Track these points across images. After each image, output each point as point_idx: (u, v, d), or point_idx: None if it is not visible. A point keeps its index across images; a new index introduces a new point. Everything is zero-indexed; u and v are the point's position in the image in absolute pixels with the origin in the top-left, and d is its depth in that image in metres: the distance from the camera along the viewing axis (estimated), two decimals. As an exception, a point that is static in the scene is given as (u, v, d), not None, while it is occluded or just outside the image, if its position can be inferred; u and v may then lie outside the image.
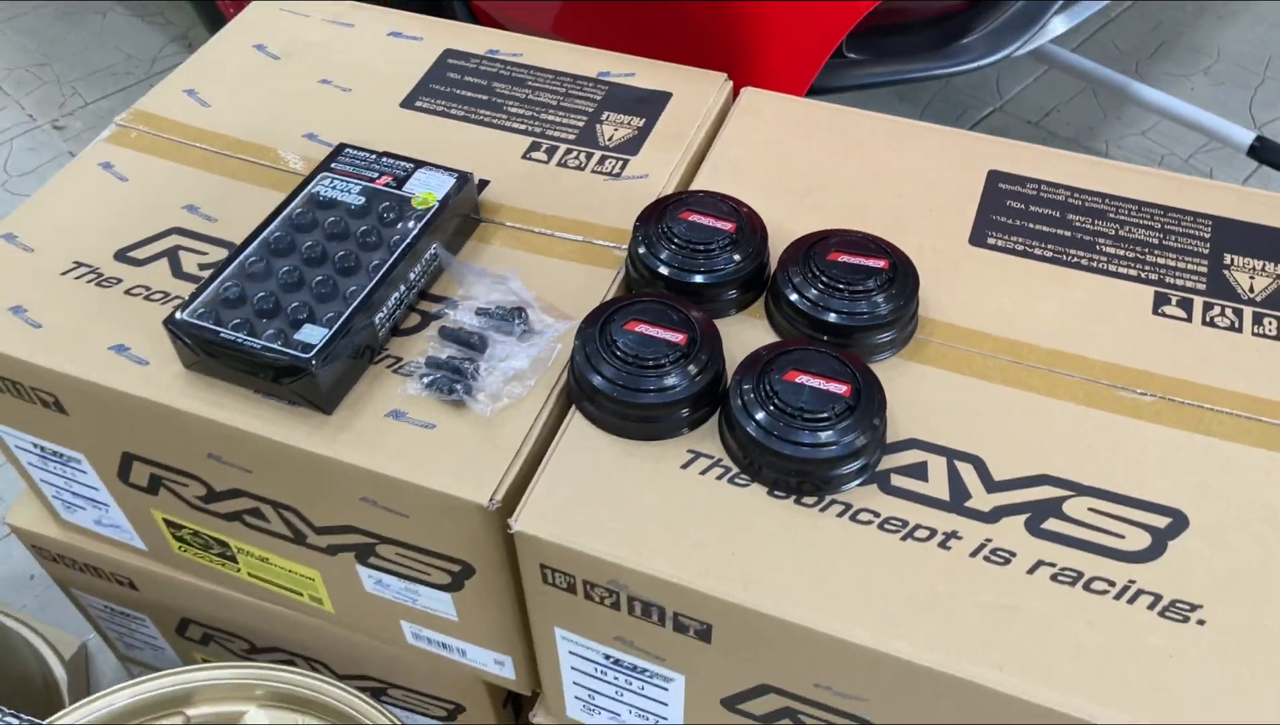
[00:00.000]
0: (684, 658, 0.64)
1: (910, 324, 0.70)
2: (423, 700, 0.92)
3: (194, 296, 0.68)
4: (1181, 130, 1.65)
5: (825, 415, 0.60)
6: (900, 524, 0.60)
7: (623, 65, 0.91)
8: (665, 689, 0.68)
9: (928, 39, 1.00)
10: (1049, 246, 0.75)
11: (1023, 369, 0.68)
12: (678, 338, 0.64)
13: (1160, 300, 0.72)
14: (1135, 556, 0.59)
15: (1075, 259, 0.75)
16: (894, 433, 0.64)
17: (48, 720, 0.82)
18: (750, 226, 0.72)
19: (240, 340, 0.66)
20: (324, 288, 0.69)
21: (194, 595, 0.91)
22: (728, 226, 0.71)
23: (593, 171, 0.82)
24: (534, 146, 0.84)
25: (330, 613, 0.84)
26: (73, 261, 0.76)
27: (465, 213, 0.77)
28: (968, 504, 0.61)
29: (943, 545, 0.59)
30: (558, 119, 0.86)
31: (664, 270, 0.70)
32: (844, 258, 0.69)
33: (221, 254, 0.76)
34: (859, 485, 0.62)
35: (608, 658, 0.68)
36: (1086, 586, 0.57)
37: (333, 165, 0.78)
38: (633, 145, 0.84)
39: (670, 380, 0.63)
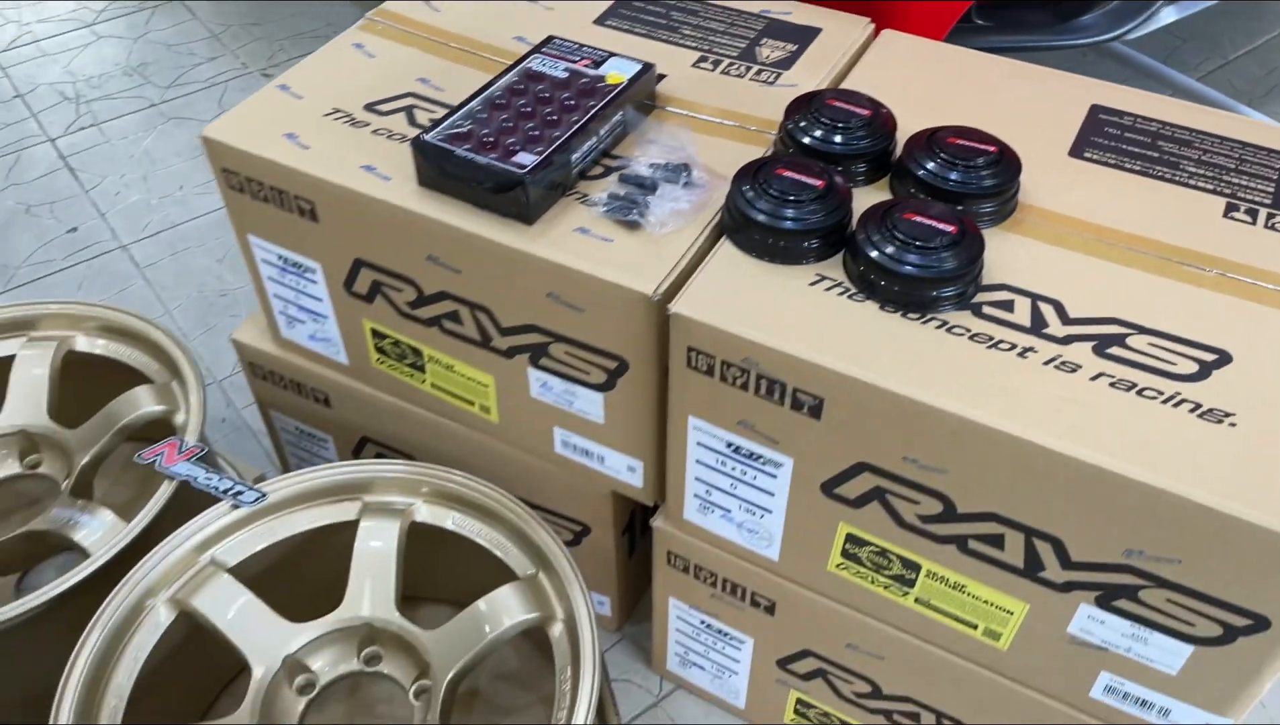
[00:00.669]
0: (795, 439, 0.78)
1: (1011, 202, 0.83)
2: (557, 522, 1.08)
3: (433, 127, 0.87)
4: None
5: (933, 245, 0.75)
6: (987, 338, 0.74)
7: (781, 6, 1.08)
8: (774, 476, 0.82)
9: (1049, 13, 1.13)
10: (1138, 163, 0.88)
11: (1104, 245, 0.81)
12: (816, 183, 0.79)
13: (1230, 208, 0.84)
14: (1183, 377, 0.71)
15: (1160, 173, 0.87)
16: (987, 278, 0.78)
17: (255, 480, 1.00)
18: (882, 117, 0.87)
19: (471, 157, 0.83)
20: (533, 133, 0.86)
21: (378, 412, 1.09)
22: (864, 112, 0.86)
23: (750, 80, 0.98)
24: (702, 59, 1.01)
25: (494, 423, 1.01)
26: (332, 107, 0.96)
27: (645, 96, 0.94)
28: (1045, 331, 0.74)
29: (1020, 355, 0.73)
30: (723, 41, 1.03)
31: (807, 140, 0.85)
32: (960, 141, 0.83)
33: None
34: (954, 308, 0.76)
35: (729, 446, 0.83)
36: (1138, 393, 0.70)
37: (543, 49, 0.96)
38: (785, 63, 1.00)
39: (808, 213, 0.78)
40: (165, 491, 1.01)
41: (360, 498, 1.03)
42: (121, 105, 1.97)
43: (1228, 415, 0.68)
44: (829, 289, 0.78)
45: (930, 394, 0.70)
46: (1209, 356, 0.72)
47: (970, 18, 1.16)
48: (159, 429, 1.10)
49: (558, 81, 0.92)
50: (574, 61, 0.94)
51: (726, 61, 1.00)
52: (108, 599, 0.93)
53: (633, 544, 1.11)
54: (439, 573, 1.01)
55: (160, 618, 0.95)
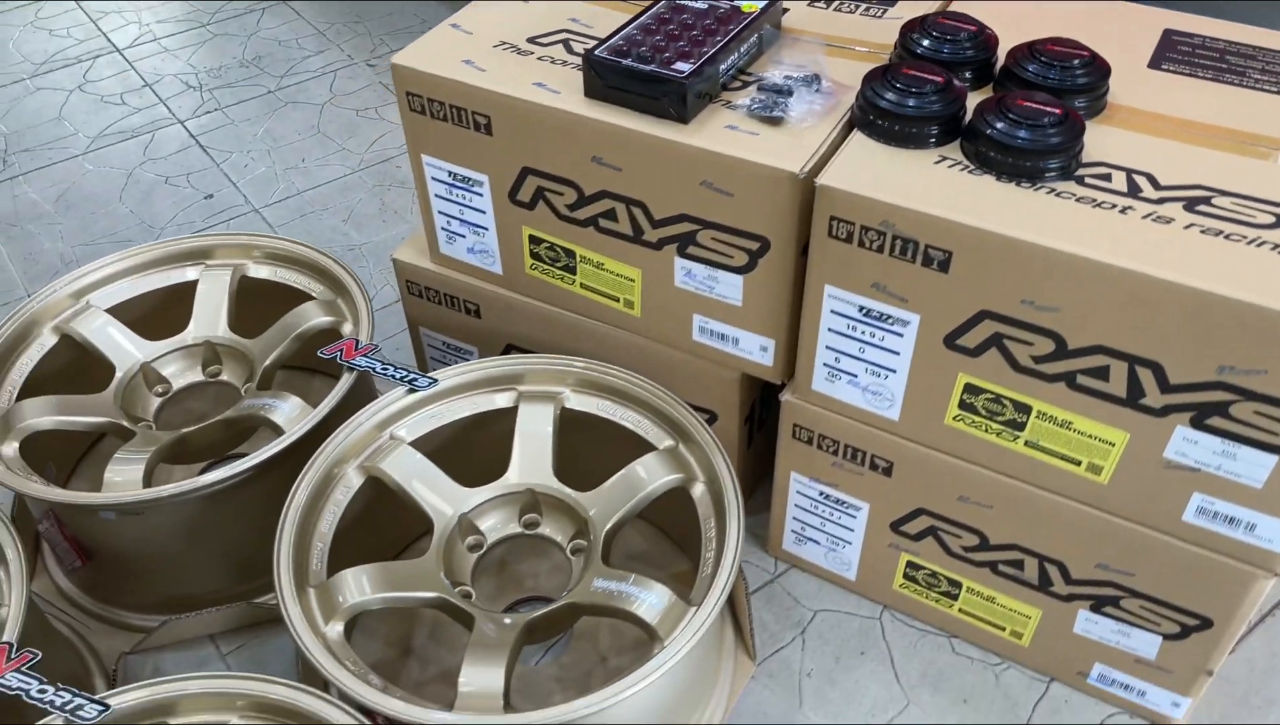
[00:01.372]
0: (923, 295, 0.91)
1: (1102, 100, 0.96)
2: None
3: (598, 46, 1.01)
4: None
5: (1041, 123, 0.88)
6: (1090, 201, 0.87)
7: (881, -43, 1.22)
8: (901, 335, 0.95)
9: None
10: (1209, 72, 1.01)
11: (1185, 132, 0.94)
12: (937, 78, 0.93)
13: (1295, 104, 0.97)
14: (1262, 226, 0.83)
15: (1229, 80, 1.00)
16: (1085, 158, 0.91)
17: (408, 376, 1.14)
18: (985, 32, 1.00)
19: (635, 66, 0.98)
20: (684, 49, 1.00)
21: (525, 318, 1.23)
22: (970, 28, 1.00)
23: (860, 15, 1.12)
24: (812, 2, 1.15)
25: (635, 317, 1.14)
26: (499, 40, 1.11)
27: (773, 23, 1.09)
28: (1140, 195, 0.87)
29: (1122, 212, 0.85)
30: (833, -14, 1.17)
31: (921, 50, 0.99)
32: (1057, 48, 0.97)
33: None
34: (1060, 179, 0.89)
35: (861, 310, 0.95)
36: (1225, 237, 0.82)
37: (683, -13, 1.11)
38: (890, 1, 1.14)
39: (930, 102, 0.91)
40: (346, 381, 1.16)
41: (515, 387, 1.17)
42: (241, 92, 2.15)
43: (1304, 252, 0.81)
44: (950, 167, 0.91)
45: (1047, 239, 0.83)
46: (1284, 211, 0.85)
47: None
48: (328, 338, 1.24)
49: (699, 11, 1.06)
50: (711, -4, 1.09)
51: (838, 2, 1.14)
52: (307, 464, 1.07)
53: (751, 436, 1.23)
54: (586, 454, 1.14)
55: (352, 481, 1.09)
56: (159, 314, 1.33)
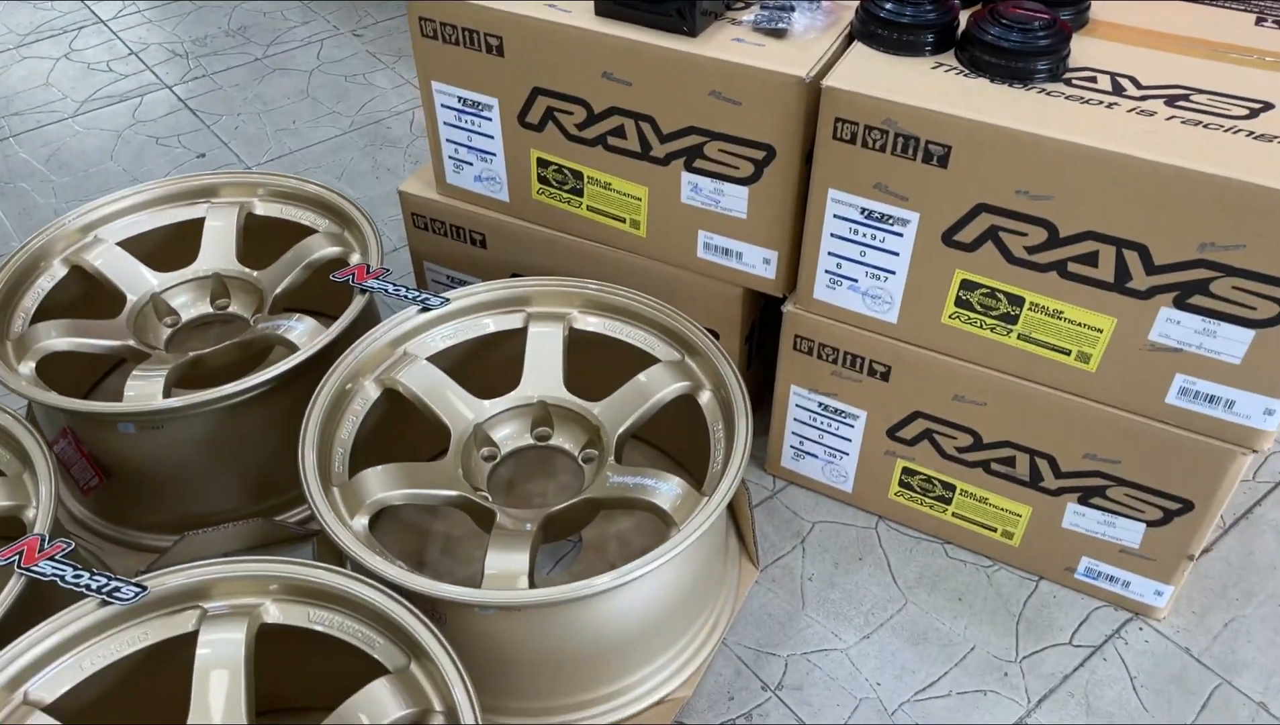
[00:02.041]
0: (923, 192, 0.96)
1: (1085, 14, 1.02)
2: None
3: (608, -33, 1.06)
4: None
5: (1031, 27, 0.94)
6: (1079, 98, 0.92)
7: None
8: (901, 235, 1.00)
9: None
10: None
11: (1163, 42, 1.00)
12: (932, -9, 0.99)
13: (1259, 20, 1.03)
14: (1237, 117, 0.89)
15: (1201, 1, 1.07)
16: (1071, 64, 0.97)
17: (420, 296, 1.17)
18: (974, -45, 1.06)
19: (645, -18, 1.02)
20: (689, -29, 1.05)
21: (531, 246, 1.27)
22: (961, -50, 1.06)
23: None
24: (809, -63, 1.21)
25: (641, 238, 1.19)
26: (508, -31, 1.15)
27: (772, -47, 1.14)
28: (1124, 93, 0.93)
29: (1108, 107, 0.91)
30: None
31: (917, -29, 1.05)
32: (1041, -34, 1.03)
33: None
34: (1049, 80, 0.94)
35: (863, 212, 1.01)
36: (1204, 127, 0.88)
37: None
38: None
39: (925, 12, 0.97)
40: (358, 303, 1.19)
41: (524, 309, 1.21)
42: (229, 60, 2.17)
43: (1275, 137, 0.87)
44: (947, 72, 0.97)
45: (1040, 128, 0.89)
46: (1256, 105, 0.91)
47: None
48: (337, 268, 1.26)
49: (702, -61, 1.11)
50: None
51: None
52: (326, 375, 1.10)
53: (750, 357, 1.28)
54: (596, 373, 1.18)
55: (369, 392, 1.12)
56: (167, 250, 1.35)
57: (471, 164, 1.24)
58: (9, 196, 1.79)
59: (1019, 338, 1.01)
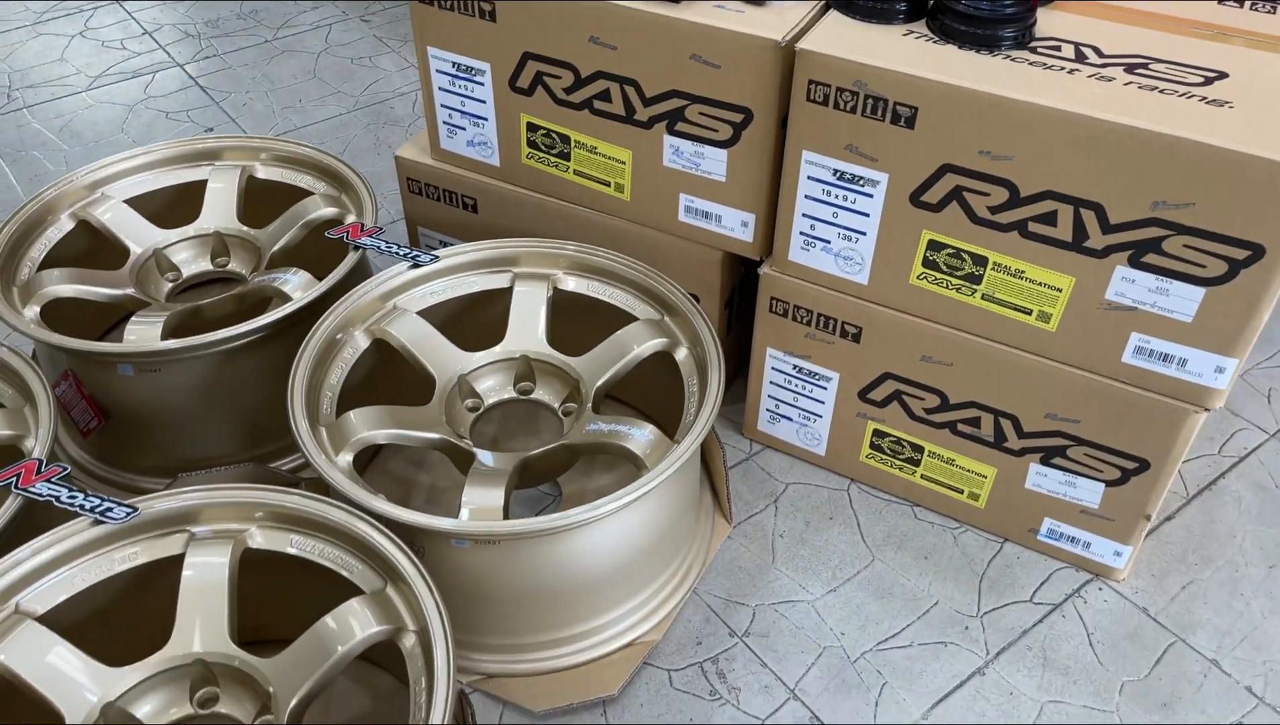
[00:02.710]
0: (891, 152, 1.00)
1: (1053, -11, 1.07)
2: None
3: (597, -64, 1.10)
4: None
5: (998, -4, 0.98)
6: (1042, 64, 0.96)
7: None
8: (871, 196, 1.04)
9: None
10: (1151, -25, 1.12)
11: (1126, 16, 1.04)
12: (905, -38, 1.03)
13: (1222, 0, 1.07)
14: (1193, 84, 0.93)
15: (1169, -19, 1.11)
16: (1037, 34, 1.01)
17: (411, 253, 1.21)
18: (950, -67, 1.11)
19: (631, -50, 1.07)
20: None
21: (520, 210, 1.31)
22: (936, -74, 1.10)
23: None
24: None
25: (625, 202, 1.23)
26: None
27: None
28: (1086, 61, 0.97)
29: (1069, 73, 0.95)
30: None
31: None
32: (1013, -57, 1.07)
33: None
34: (1014, 47, 0.98)
35: (835, 173, 1.05)
36: (1160, 92, 0.92)
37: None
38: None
39: (900, -18, 1.01)
40: (351, 258, 1.23)
41: (511, 269, 1.25)
42: (239, 41, 2.22)
43: (1227, 103, 0.91)
44: (917, 39, 1.01)
45: (1002, 90, 0.92)
46: (1211, 74, 0.95)
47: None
48: (333, 227, 1.31)
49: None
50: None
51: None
52: (315, 325, 1.14)
53: (730, 323, 1.32)
54: (578, 334, 1.22)
55: (359, 342, 1.17)
56: (171, 209, 1.40)
57: (464, 129, 1.29)
58: (21, 163, 1.84)
59: (983, 298, 1.05)
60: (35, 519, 0.96)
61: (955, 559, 1.19)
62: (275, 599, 1.00)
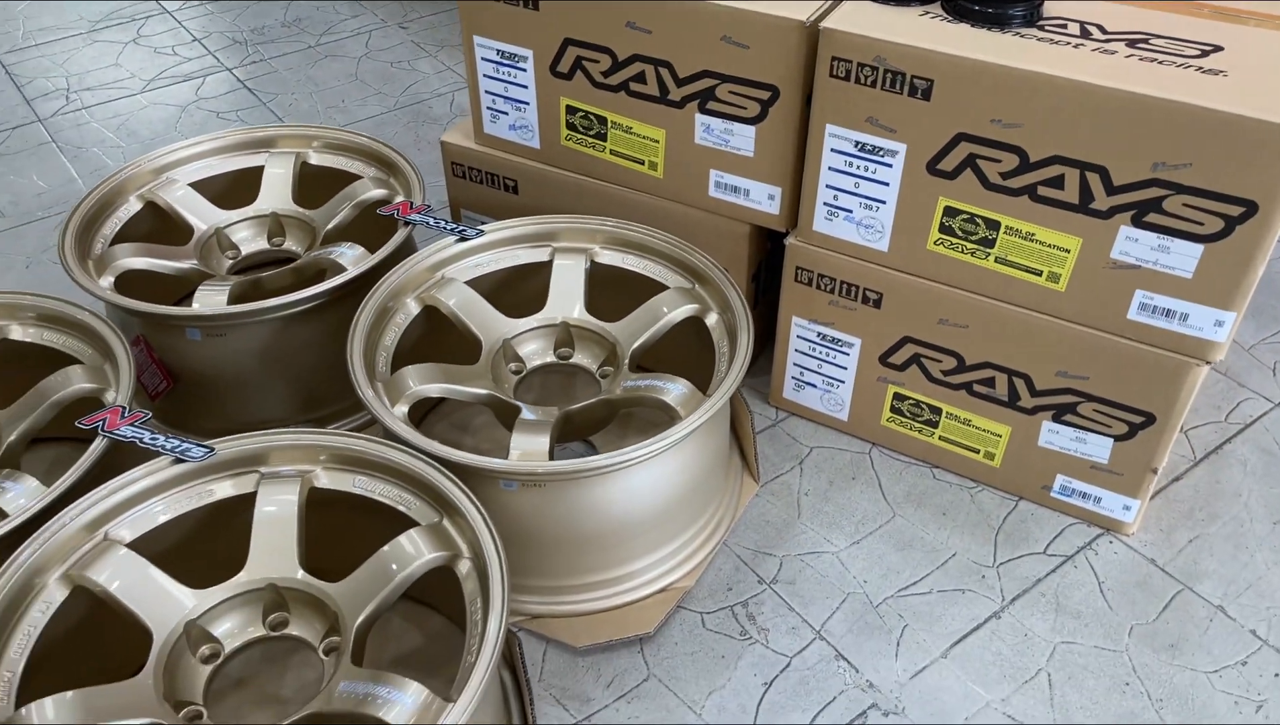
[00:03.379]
0: (909, 124, 1.08)
1: (1060, -25, 1.14)
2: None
3: (634, -70, 1.19)
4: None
5: (1008, -22, 1.05)
6: (1049, 40, 1.04)
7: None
8: (890, 165, 1.11)
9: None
10: (1154, -38, 1.19)
11: (1130, -1, 1.11)
12: (921, -51, 1.11)
13: (1223, -18, 1.15)
14: (1190, 56, 1.00)
15: (1170, -33, 1.18)
16: (1045, 14, 1.08)
17: (458, 228, 1.30)
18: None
19: (666, -60, 1.15)
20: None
21: (559, 190, 1.39)
22: (950, -82, 1.18)
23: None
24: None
25: (659, 179, 1.31)
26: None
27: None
28: (1091, 37, 1.04)
29: (1074, 47, 1.02)
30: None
31: (910, -65, 1.17)
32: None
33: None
34: (1023, 25, 1.06)
35: (857, 145, 1.12)
36: (1159, 63, 0.99)
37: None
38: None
39: (916, -33, 1.09)
40: (401, 234, 1.31)
41: (550, 244, 1.33)
42: (284, 47, 2.33)
43: (1221, 72, 0.98)
44: (933, 19, 1.08)
45: (1012, 62, 1.00)
46: (1207, 47, 1.02)
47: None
48: (381, 207, 1.39)
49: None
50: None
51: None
52: (371, 290, 1.22)
53: (757, 297, 1.39)
54: (615, 306, 1.30)
55: (410, 308, 1.25)
56: (230, 192, 1.49)
57: (507, 113, 1.37)
58: (82, 159, 1.94)
59: (996, 261, 1.12)
60: (118, 464, 1.04)
61: (972, 515, 1.26)
62: (338, 539, 1.07)
